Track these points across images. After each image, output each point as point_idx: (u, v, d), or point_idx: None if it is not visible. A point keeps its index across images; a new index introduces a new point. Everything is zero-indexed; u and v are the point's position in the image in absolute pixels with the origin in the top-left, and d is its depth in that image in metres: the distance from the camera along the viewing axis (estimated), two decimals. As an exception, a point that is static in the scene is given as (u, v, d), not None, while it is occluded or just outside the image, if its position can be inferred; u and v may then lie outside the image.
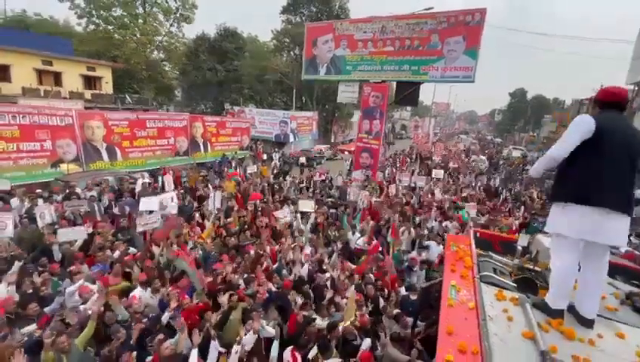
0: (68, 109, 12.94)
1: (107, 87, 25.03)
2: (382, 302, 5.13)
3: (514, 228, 8.21)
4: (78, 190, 9.31)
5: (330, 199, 11.09)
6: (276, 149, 22.64)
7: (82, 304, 4.40)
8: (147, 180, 11.52)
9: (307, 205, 8.84)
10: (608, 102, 2.18)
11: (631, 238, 11.65)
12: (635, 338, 2.05)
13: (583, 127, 2.07)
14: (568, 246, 2.18)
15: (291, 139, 25.80)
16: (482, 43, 12.19)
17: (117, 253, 5.70)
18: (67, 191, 9.07)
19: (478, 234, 3.76)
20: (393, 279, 5.93)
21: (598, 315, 2.21)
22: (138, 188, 9.64)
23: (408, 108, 63.87)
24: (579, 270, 2.27)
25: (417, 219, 8.97)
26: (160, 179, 11.80)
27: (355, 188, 10.88)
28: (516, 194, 15.03)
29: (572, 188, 2.12)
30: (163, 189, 10.43)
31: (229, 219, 8.25)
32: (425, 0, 15.16)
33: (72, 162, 12.29)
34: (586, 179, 2.07)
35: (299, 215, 8.59)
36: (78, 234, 5.72)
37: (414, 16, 13.46)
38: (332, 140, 33.36)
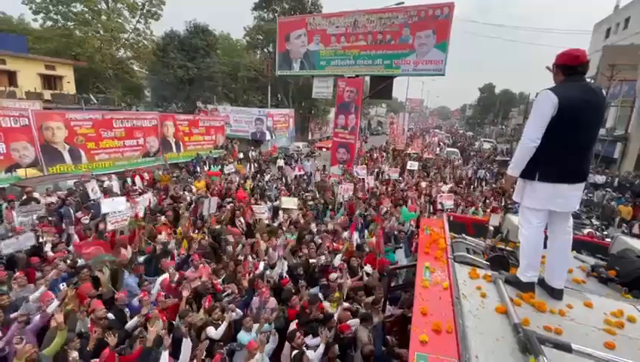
0: (23, 109, 12.05)
1: (69, 87, 23.60)
2: (365, 277, 5.28)
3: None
4: (36, 195, 8.72)
5: (308, 194, 11.02)
6: (252, 148, 22.23)
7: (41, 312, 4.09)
8: (115, 182, 11.04)
9: (290, 202, 8.74)
10: (571, 67, 2.15)
11: (592, 220, 12.45)
12: (602, 307, 2.09)
13: (547, 106, 2.05)
14: (535, 215, 2.23)
15: (268, 137, 25.38)
16: (452, 38, 12.47)
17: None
18: (25, 197, 8.47)
19: (451, 218, 3.79)
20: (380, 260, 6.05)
21: (566, 287, 2.25)
22: (92, 194, 8.96)
23: (384, 104, 65.06)
24: (545, 247, 2.32)
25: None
26: (130, 181, 11.44)
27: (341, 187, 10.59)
28: (491, 184, 15.45)
29: (540, 167, 2.15)
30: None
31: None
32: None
33: (31, 166, 11.47)
34: (553, 159, 2.11)
35: (281, 212, 8.52)
36: (25, 242, 5.26)
37: (385, 10, 13.58)
38: (309, 137, 33.22)
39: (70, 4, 26.17)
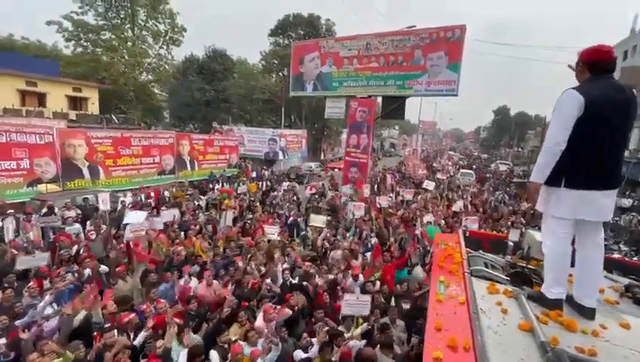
0: (49, 127, 12.63)
1: (93, 107, 24.82)
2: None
3: None
4: (55, 209, 8.93)
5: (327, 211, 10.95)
6: (265, 167, 22.45)
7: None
8: (129, 198, 11.23)
9: (318, 220, 8.67)
10: (598, 65, 2.00)
11: (620, 246, 11.75)
12: (640, 329, 1.86)
13: (571, 106, 1.89)
14: (561, 225, 2.04)
15: (280, 156, 25.68)
16: (465, 60, 12.50)
17: (87, 271, 5.39)
18: (45, 209, 8.71)
19: (467, 234, 3.60)
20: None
21: (597, 307, 2.03)
22: (102, 205, 9.20)
23: (397, 126, 65.29)
24: (572, 265, 2.12)
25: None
26: (142, 197, 11.63)
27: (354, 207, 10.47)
28: (513, 208, 14.77)
29: (566, 173, 1.98)
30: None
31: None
32: (407, 20, 15.69)
33: (51, 182, 11.86)
34: (581, 163, 1.94)
35: (309, 228, 8.64)
36: (38, 261, 5.32)
37: (397, 32, 13.84)
38: (322, 158, 33.43)
39: (99, 33, 28.02)
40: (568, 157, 1.94)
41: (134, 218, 7.08)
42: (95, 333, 3.67)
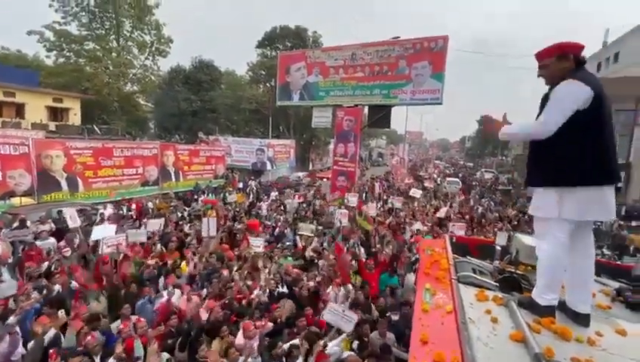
0: (24, 138, 12.15)
1: (75, 118, 24.22)
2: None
3: None
4: (28, 223, 8.45)
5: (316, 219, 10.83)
6: (252, 178, 22.16)
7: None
8: (109, 211, 10.81)
9: (307, 228, 8.77)
10: (580, 58, 1.92)
11: (603, 250, 11.94)
12: (638, 335, 1.75)
13: (579, 98, 1.78)
14: (563, 228, 1.90)
15: (268, 167, 25.46)
16: (450, 72, 12.75)
17: (57, 286, 5.05)
18: (17, 223, 8.23)
19: (454, 239, 3.49)
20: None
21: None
22: (71, 223, 8.80)
23: (384, 136, 66.12)
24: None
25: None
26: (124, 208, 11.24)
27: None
28: (499, 214, 14.90)
29: (581, 169, 1.82)
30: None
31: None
32: (392, 30, 15.99)
33: (26, 195, 11.30)
34: (594, 157, 1.82)
35: (298, 238, 8.64)
36: (6, 291, 4.93)
37: (382, 43, 14.03)
38: (310, 168, 33.34)
39: (83, 43, 27.56)
40: (581, 150, 1.82)
41: (102, 233, 6.70)
42: (51, 351, 3.35)
